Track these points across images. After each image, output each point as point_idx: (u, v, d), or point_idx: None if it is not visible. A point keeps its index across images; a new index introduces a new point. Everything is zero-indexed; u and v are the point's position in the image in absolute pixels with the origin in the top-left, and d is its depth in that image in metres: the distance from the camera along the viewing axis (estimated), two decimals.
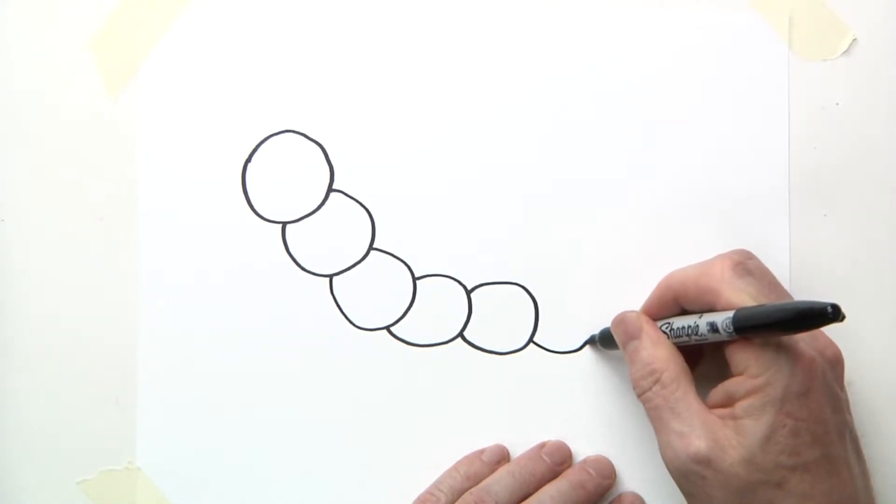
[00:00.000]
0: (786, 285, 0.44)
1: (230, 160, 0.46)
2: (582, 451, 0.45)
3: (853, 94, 0.45)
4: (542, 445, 0.45)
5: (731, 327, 0.37)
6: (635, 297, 0.44)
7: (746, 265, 0.40)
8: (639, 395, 0.40)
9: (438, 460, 0.45)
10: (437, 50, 0.46)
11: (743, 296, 0.38)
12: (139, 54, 0.46)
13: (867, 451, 0.44)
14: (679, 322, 0.40)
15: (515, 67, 0.46)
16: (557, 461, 0.44)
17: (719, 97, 0.45)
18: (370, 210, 0.46)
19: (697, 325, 0.39)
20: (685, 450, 0.37)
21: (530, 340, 0.46)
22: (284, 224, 0.46)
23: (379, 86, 0.46)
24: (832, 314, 0.34)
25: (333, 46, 0.46)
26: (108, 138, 0.46)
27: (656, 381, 0.39)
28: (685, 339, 0.40)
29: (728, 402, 0.38)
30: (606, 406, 0.45)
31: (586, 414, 0.45)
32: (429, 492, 0.44)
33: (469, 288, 0.46)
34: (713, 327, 0.38)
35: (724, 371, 0.39)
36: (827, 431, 0.37)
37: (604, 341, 0.44)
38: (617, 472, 0.45)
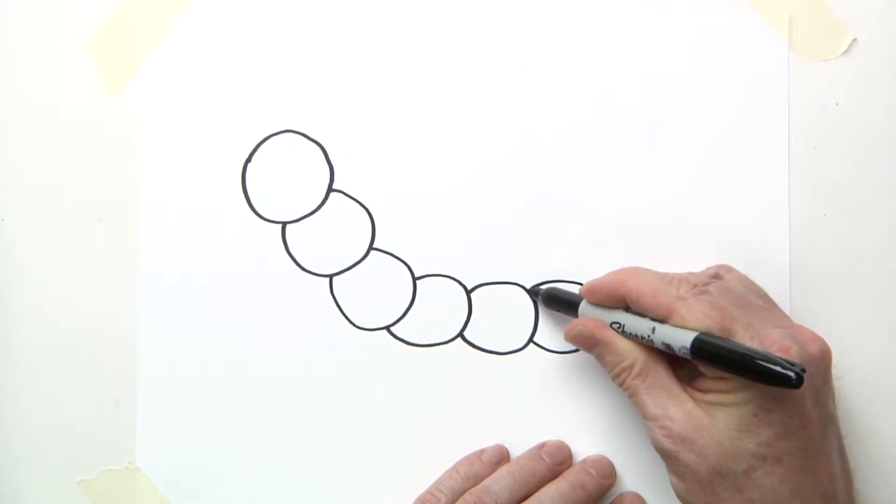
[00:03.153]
0: (786, 285, 0.44)
1: (230, 160, 0.46)
2: (582, 451, 0.45)
3: (853, 94, 0.45)
4: (542, 445, 0.45)
5: (689, 354, 0.38)
6: None
7: (705, 287, 0.40)
8: (618, 386, 0.41)
9: (438, 460, 0.45)
10: (437, 50, 0.46)
11: (697, 314, 0.38)
12: (139, 54, 0.46)
13: (863, 450, 0.44)
14: (631, 327, 0.40)
15: (515, 68, 0.46)
16: (557, 461, 0.44)
17: (719, 97, 0.45)
18: (370, 210, 0.46)
19: (651, 340, 0.39)
20: (660, 431, 0.39)
21: (530, 340, 0.46)
22: (284, 224, 0.46)
23: (378, 86, 0.46)
24: (796, 382, 0.34)
25: (333, 47, 0.46)
26: (108, 138, 0.46)
27: (628, 375, 0.40)
28: (638, 340, 0.40)
29: (706, 389, 0.39)
30: (606, 406, 0.45)
31: (586, 414, 0.45)
32: (429, 492, 0.44)
33: (469, 288, 0.46)
34: (668, 347, 0.39)
35: None
36: (804, 425, 0.37)
37: (548, 303, 0.45)
38: (617, 472, 0.45)
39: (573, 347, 0.45)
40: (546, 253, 0.46)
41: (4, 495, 0.46)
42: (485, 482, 0.43)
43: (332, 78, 0.46)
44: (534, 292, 0.45)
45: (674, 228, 0.45)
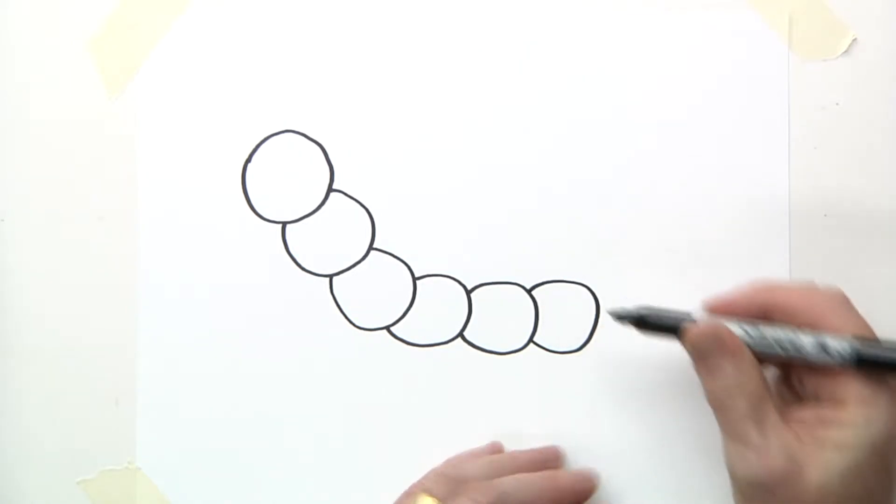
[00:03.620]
0: None
1: (230, 160, 0.46)
2: (582, 450, 0.45)
3: (853, 94, 0.45)
4: (534, 449, 0.44)
5: (851, 354, 0.36)
6: (634, 296, 0.45)
7: (851, 302, 0.38)
8: (715, 406, 0.38)
9: (438, 460, 0.45)
10: (437, 50, 0.46)
11: (851, 327, 0.37)
12: (139, 54, 0.46)
13: None
14: (772, 332, 0.38)
15: (514, 68, 0.46)
16: (543, 458, 0.44)
17: (719, 97, 0.45)
18: (370, 210, 0.46)
19: (800, 342, 0.37)
20: (759, 463, 0.36)
21: (530, 340, 0.46)
22: (284, 224, 0.46)
23: (378, 86, 0.46)
24: None
25: (333, 47, 0.46)
26: (108, 138, 0.46)
27: (739, 394, 0.37)
28: (773, 350, 0.38)
29: (816, 423, 0.37)
30: (606, 406, 0.45)
31: (586, 414, 0.45)
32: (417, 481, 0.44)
33: (469, 288, 0.46)
34: (824, 348, 0.36)
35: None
36: None
37: (641, 325, 0.40)
38: (615, 471, 0.45)
39: (573, 347, 0.45)
40: (546, 253, 0.46)
41: (4, 495, 0.46)
42: (463, 462, 0.43)
43: (332, 78, 0.46)
44: (616, 315, 0.41)
45: (673, 228, 0.45)
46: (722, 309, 0.40)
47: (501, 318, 0.46)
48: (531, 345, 0.46)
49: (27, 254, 0.46)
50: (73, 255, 0.46)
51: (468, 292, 0.46)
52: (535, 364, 0.46)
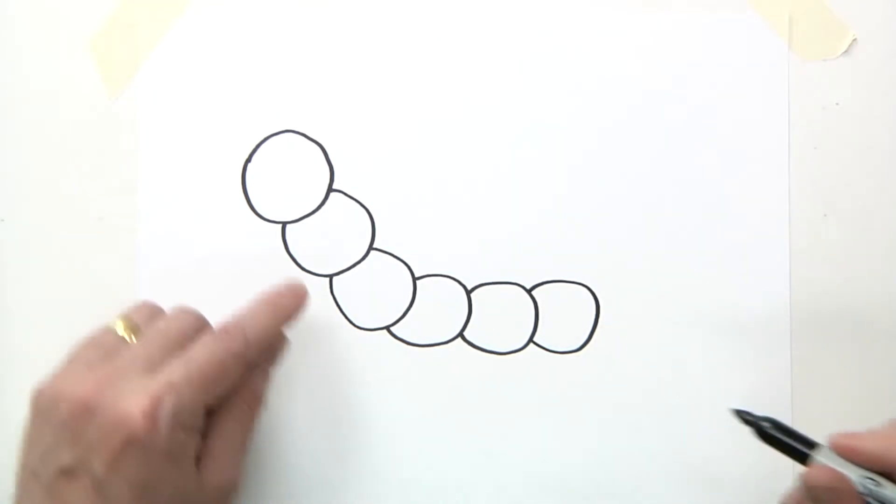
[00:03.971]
0: (786, 285, 0.45)
1: (230, 160, 0.46)
2: (581, 450, 0.45)
3: (853, 94, 0.45)
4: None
5: None
6: (633, 297, 0.45)
7: None
8: None
9: (438, 460, 0.45)
10: (437, 51, 0.46)
11: None
12: (139, 54, 0.46)
13: None
14: (891, 497, 0.37)
15: (514, 69, 0.46)
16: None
17: (719, 98, 0.45)
18: (370, 210, 0.46)
19: None
20: None
21: (530, 340, 0.46)
22: (284, 224, 0.46)
23: (379, 86, 0.46)
24: None
25: (333, 47, 0.46)
26: (108, 138, 0.46)
27: None
28: None
29: None
30: (606, 406, 0.45)
31: (586, 414, 0.45)
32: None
33: (469, 288, 0.46)
34: None
35: None
36: None
37: (763, 435, 0.39)
38: (615, 471, 0.45)
39: (573, 347, 0.45)
40: (546, 253, 0.46)
41: (4, 495, 0.46)
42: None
43: (332, 78, 0.46)
44: (741, 416, 0.40)
45: (673, 228, 0.45)
46: (847, 451, 0.38)
47: (501, 318, 0.46)
48: (531, 345, 0.46)
49: (27, 254, 0.46)
50: (74, 255, 0.46)
51: (468, 292, 0.46)
52: (535, 364, 0.46)
